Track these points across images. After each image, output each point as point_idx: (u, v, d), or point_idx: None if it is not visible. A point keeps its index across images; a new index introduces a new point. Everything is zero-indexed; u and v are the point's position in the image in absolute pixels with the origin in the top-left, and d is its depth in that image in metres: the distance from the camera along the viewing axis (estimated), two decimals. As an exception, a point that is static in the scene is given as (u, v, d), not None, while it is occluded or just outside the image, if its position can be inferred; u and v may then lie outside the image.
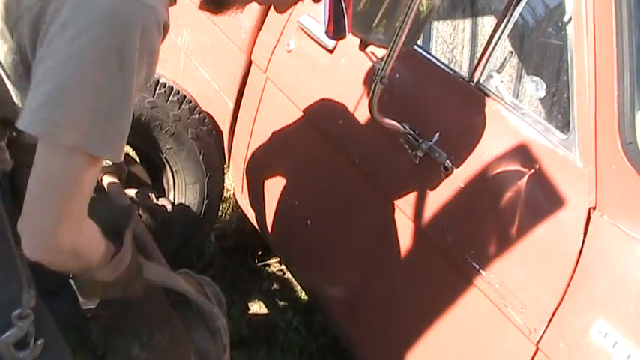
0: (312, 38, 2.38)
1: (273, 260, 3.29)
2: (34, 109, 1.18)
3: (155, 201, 2.76)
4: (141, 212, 2.72)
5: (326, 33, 1.56)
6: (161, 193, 2.89)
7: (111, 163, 2.53)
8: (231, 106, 2.74)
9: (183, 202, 2.82)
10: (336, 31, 1.55)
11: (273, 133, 2.57)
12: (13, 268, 1.49)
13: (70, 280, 1.61)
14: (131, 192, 2.64)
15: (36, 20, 1.22)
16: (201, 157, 2.75)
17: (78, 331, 1.94)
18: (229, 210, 3.44)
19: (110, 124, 1.23)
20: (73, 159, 1.22)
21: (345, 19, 1.53)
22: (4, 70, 1.34)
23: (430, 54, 2.15)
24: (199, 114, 2.74)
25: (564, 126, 1.73)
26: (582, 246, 1.59)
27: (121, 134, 1.25)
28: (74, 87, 1.18)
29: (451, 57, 2.39)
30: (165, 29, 1.29)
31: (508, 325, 1.71)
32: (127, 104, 1.24)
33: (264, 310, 3.08)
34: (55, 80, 1.18)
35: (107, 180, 2.45)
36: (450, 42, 2.43)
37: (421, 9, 1.65)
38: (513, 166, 1.76)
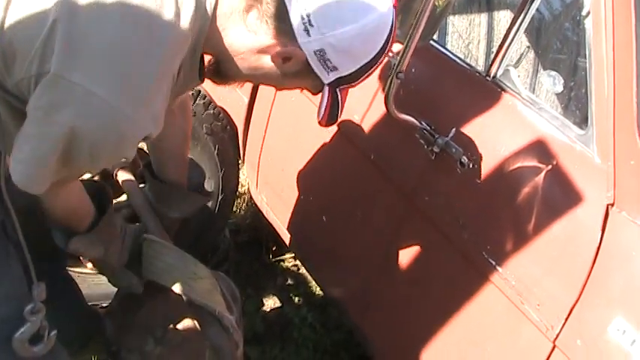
0: (327, 33, 2.37)
1: (287, 256, 3.29)
2: (18, 160, 1.38)
3: (170, 196, 2.76)
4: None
5: (318, 122, 1.57)
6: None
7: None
8: (246, 101, 2.73)
9: (197, 197, 2.82)
10: (328, 121, 1.57)
11: (287, 128, 2.56)
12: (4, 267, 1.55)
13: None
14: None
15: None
16: (215, 153, 2.75)
17: (84, 327, 1.95)
18: (244, 205, 3.43)
19: (64, 182, 1.49)
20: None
21: (339, 109, 1.56)
22: None
23: (446, 49, 2.13)
24: (214, 109, 2.74)
25: (582, 121, 1.71)
26: (600, 242, 1.57)
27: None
28: (50, 161, 1.36)
29: (467, 52, 2.38)
30: (148, 137, 1.42)
31: (525, 322, 1.70)
32: (82, 174, 1.56)
33: (278, 305, 3.08)
34: (36, 149, 1.35)
35: (121, 175, 2.45)
36: (465, 37, 2.42)
37: (437, 3, 1.64)
38: (530, 162, 1.75)
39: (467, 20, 2.45)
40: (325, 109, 1.53)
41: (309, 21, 1.39)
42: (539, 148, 1.74)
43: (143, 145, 2.75)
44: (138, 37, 1.32)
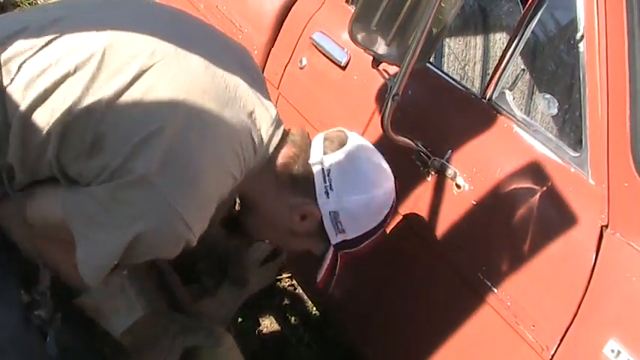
0: (324, 55, 2.39)
1: (284, 275, 3.29)
2: (89, 240, 1.48)
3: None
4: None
5: (317, 282, 1.81)
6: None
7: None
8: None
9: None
10: (326, 286, 1.83)
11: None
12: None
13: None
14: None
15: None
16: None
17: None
18: (241, 225, 3.43)
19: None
20: None
21: (334, 278, 1.81)
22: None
23: (442, 71, 2.15)
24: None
25: (576, 143, 1.73)
26: (595, 264, 1.58)
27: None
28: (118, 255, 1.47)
29: (463, 74, 2.39)
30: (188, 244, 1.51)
31: (520, 342, 1.70)
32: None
33: (275, 325, 3.08)
34: (108, 240, 1.46)
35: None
36: (462, 59, 2.44)
37: (433, 27, 1.66)
38: (525, 184, 1.76)
39: (463, 42, 2.46)
40: (327, 268, 1.78)
41: (330, 185, 1.65)
42: (535, 170, 1.76)
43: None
44: (218, 169, 1.50)
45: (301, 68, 2.48)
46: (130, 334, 1.75)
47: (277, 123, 1.66)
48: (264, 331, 3.04)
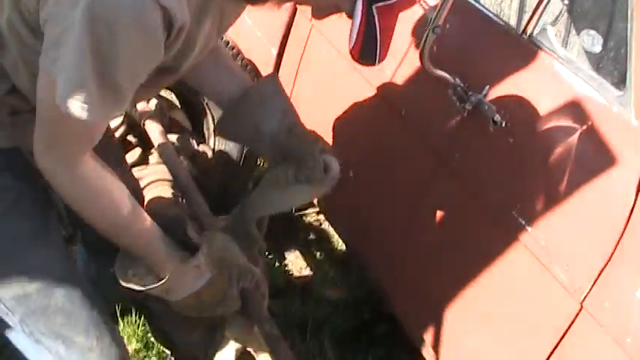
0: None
1: (310, 210, 3.29)
2: (59, 68, 1.23)
3: (195, 147, 2.77)
4: (181, 158, 2.72)
5: (350, 52, 1.43)
6: (202, 139, 2.89)
7: (153, 108, 2.53)
8: (275, 54, 2.71)
9: (222, 149, 2.81)
10: (363, 55, 1.43)
11: (316, 82, 2.54)
12: None
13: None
14: (172, 137, 2.64)
15: None
16: (242, 105, 2.73)
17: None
18: (268, 158, 3.43)
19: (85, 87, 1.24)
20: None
21: (378, 47, 1.41)
22: None
23: (482, 5, 2.10)
24: (242, 61, 2.72)
25: (620, 82, 1.68)
26: (634, 206, 1.56)
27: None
28: (87, 56, 1.21)
29: (503, 8, 2.33)
30: (171, 22, 1.24)
31: (552, 282, 1.69)
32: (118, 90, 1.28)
33: (300, 260, 3.09)
34: (68, 44, 1.21)
35: (149, 124, 2.45)
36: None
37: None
38: (565, 122, 1.73)
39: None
40: (359, 32, 1.38)
41: None
42: (575, 109, 1.72)
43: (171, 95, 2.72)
44: None
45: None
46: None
47: None
48: (289, 265, 3.05)
